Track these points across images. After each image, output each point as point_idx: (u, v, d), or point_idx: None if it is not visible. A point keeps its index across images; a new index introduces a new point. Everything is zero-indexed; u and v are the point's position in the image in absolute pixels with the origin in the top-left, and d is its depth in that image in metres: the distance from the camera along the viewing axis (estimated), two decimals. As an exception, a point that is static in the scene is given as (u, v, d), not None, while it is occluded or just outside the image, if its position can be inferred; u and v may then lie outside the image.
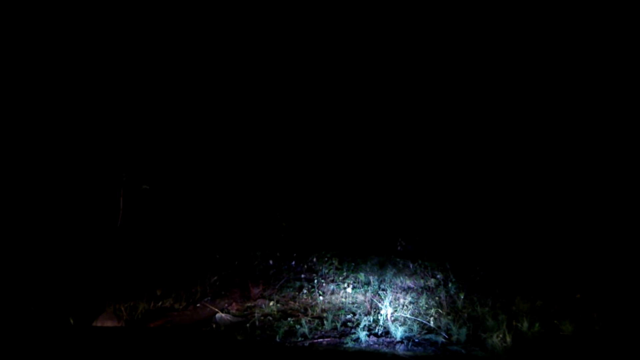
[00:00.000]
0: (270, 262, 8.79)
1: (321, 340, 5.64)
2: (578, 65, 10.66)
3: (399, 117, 12.53)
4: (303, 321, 6.03)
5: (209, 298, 7.49)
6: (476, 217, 10.52)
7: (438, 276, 7.61)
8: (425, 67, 12.35)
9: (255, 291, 7.71)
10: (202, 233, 10.27)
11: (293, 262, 9.01)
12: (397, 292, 7.25)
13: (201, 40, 12.02)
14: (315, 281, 7.96)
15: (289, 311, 6.87)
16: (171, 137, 11.49)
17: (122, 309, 6.64)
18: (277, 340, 5.58)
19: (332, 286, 7.84)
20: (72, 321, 6.26)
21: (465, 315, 6.10)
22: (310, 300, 7.31)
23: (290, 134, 12.61)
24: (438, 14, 11.78)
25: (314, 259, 9.00)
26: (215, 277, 8.10)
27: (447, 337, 5.46)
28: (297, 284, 8.08)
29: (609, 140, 10.34)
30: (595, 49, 10.35)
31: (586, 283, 7.48)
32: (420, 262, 8.21)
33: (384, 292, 7.14)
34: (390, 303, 6.32)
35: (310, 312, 6.68)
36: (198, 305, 7.24)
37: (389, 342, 5.45)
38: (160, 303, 7.24)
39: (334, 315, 6.30)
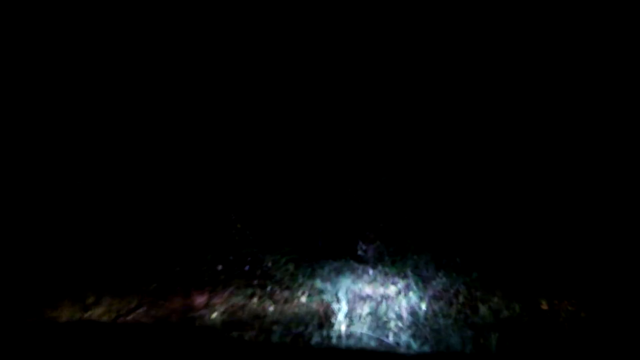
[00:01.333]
0: (220, 267, 8.03)
1: None
2: (578, 67, 10.59)
3: (371, 112, 12.09)
4: (247, 337, 5.39)
5: (145, 308, 6.67)
6: (441, 216, 10.17)
7: (398, 284, 7.12)
8: (402, 61, 11.97)
9: (200, 300, 6.97)
10: (141, 233, 9.30)
11: (247, 267, 8.28)
12: (354, 302, 6.71)
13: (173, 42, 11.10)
14: (268, 288, 7.32)
15: (235, 323, 6.20)
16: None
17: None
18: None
19: (286, 293, 7.24)
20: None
21: (428, 329, 5.63)
22: (261, 310, 6.67)
23: (241, 123, 11.87)
24: (439, 14, 11.45)
25: (269, 264, 8.33)
26: (155, 285, 7.26)
27: (406, 354, 4.95)
28: (249, 291, 7.41)
29: (603, 144, 10.29)
30: (595, 49, 10.30)
31: (560, 287, 7.21)
32: (380, 267, 7.71)
33: (340, 302, 6.58)
34: (345, 315, 5.76)
35: (257, 324, 6.03)
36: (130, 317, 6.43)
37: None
38: (88, 314, 6.37)
39: (284, 329, 5.69)
